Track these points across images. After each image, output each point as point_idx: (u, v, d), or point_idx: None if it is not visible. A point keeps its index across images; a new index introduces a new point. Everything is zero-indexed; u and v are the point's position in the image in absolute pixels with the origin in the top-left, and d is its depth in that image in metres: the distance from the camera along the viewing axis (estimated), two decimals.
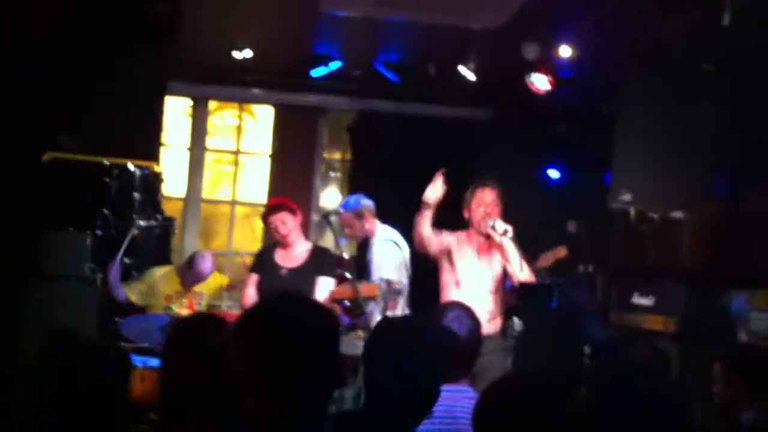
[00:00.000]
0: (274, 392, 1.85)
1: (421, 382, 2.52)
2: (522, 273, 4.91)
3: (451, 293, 5.06)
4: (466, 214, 5.19)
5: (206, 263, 6.00)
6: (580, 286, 6.38)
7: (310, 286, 5.32)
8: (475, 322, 3.24)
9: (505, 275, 5.09)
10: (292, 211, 5.50)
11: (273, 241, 5.65)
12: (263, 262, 5.55)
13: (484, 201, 5.08)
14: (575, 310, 5.93)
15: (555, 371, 2.19)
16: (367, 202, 5.99)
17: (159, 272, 6.04)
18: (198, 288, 6.02)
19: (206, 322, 2.54)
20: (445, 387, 2.76)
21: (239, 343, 1.92)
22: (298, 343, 1.89)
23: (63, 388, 2.36)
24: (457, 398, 2.97)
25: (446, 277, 5.16)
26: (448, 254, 5.14)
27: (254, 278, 5.51)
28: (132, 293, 5.95)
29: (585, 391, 2.25)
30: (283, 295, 2.08)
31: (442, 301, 4.91)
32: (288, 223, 5.44)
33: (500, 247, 5.01)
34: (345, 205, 6.07)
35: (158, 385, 2.44)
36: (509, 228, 4.93)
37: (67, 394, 2.36)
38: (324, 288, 5.37)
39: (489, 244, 5.09)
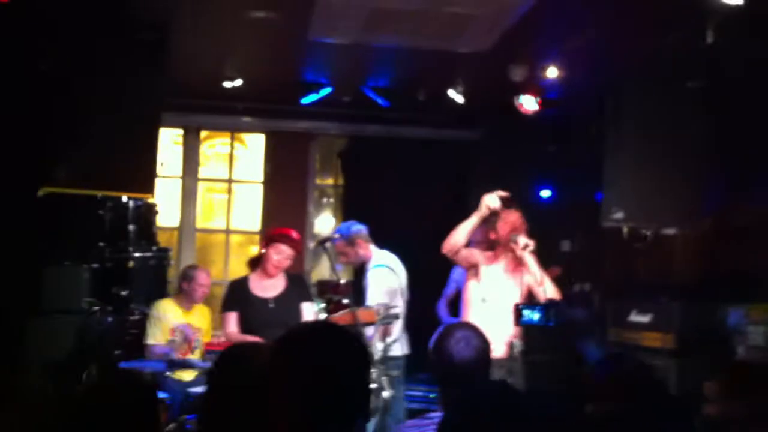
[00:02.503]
0: (306, 418, 1.88)
1: None
2: (543, 288, 5.02)
3: (475, 309, 5.16)
4: (492, 236, 5.30)
5: (203, 273, 6.15)
6: (576, 304, 6.42)
7: (294, 313, 5.33)
8: (484, 343, 3.16)
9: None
10: (298, 249, 5.50)
11: (256, 267, 5.53)
12: (241, 297, 5.38)
13: (510, 220, 5.25)
14: (573, 329, 5.96)
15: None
16: (357, 228, 5.96)
17: (160, 305, 6.06)
18: (197, 324, 6.06)
19: (252, 349, 2.58)
20: None
21: (276, 370, 1.96)
22: (334, 371, 1.92)
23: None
24: None
25: (472, 293, 5.26)
26: (476, 269, 5.26)
27: (233, 316, 5.34)
28: (156, 339, 5.95)
29: (590, 408, 2.30)
30: (318, 323, 2.10)
31: (462, 318, 5.00)
32: (290, 258, 5.41)
33: (524, 264, 5.15)
34: (337, 234, 6.07)
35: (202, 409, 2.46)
36: (531, 243, 5.10)
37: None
38: (308, 313, 5.41)
39: (516, 263, 5.21)
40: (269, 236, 5.53)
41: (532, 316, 4.60)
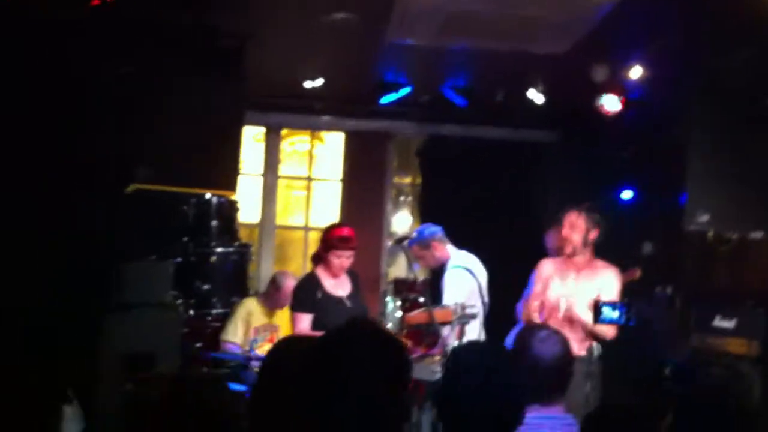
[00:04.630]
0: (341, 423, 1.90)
1: (501, 407, 2.49)
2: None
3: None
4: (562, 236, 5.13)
5: (291, 282, 6.13)
6: (656, 306, 6.29)
7: (366, 310, 5.37)
8: (565, 344, 3.15)
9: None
10: (356, 246, 5.32)
11: (319, 270, 5.39)
12: (315, 296, 5.23)
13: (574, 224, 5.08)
14: (652, 331, 5.86)
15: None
16: (431, 231, 5.89)
17: (247, 305, 6.17)
18: (277, 321, 6.16)
19: (307, 341, 2.56)
20: (540, 413, 2.83)
21: (312, 371, 1.97)
22: (370, 375, 1.92)
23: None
24: (554, 425, 2.90)
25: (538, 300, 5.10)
26: (545, 282, 5.14)
27: (307, 318, 5.15)
28: (235, 337, 6.03)
29: (669, 420, 2.29)
30: (358, 325, 2.06)
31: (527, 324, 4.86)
32: (352, 257, 5.29)
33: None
34: (411, 240, 6.03)
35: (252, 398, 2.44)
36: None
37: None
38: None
39: (584, 266, 5.07)
40: (325, 240, 5.32)
41: (612, 314, 4.53)
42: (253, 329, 6.04)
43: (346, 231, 5.30)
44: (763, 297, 5.41)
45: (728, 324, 5.37)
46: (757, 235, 5.62)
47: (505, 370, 2.55)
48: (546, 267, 5.21)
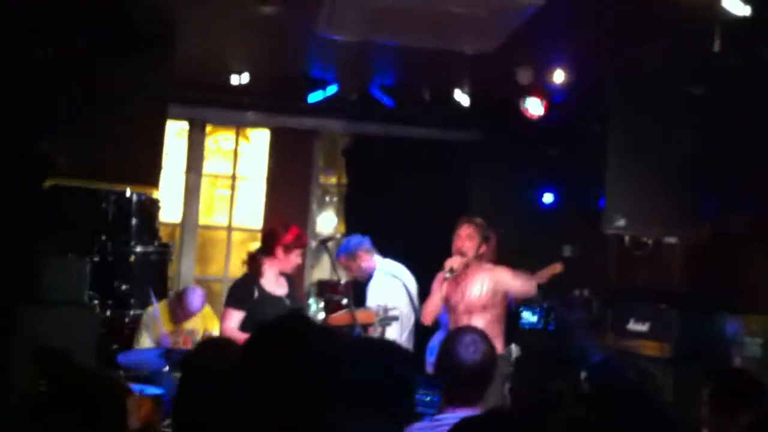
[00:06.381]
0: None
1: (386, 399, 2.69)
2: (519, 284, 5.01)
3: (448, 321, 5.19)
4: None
5: (195, 299, 5.92)
6: (574, 308, 6.40)
7: (302, 308, 5.35)
8: (487, 352, 3.23)
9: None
10: None
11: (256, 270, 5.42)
12: (252, 295, 5.21)
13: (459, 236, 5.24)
14: (570, 332, 5.95)
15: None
16: (358, 241, 5.96)
17: (152, 311, 5.98)
18: (190, 326, 6.02)
19: (227, 342, 2.56)
20: (456, 413, 2.93)
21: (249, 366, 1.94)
22: (304, 372, 1.90)
23: (59, 415, 2.41)
24: None
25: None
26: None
27: (238, 315, 5.13)
28: (143, 346, 5.89)
29: (581, 412, 2.31)
30: (294, 321, 2.05)
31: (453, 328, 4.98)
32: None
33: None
34: (339, 251, 6.06)
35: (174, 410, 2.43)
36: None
37: (62, 421, 2.41)
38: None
39: (473, 269, 5.17)
40: (288, 243, 5.29)
41: (531, 318, 4.61)
42: (161, 334, 5.88)
43: (299, 231, 5.39)
44: (676, 299, 5.54)
45: (642, 327, 5.49)
46: (671, 239, 5.75)
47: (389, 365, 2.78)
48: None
